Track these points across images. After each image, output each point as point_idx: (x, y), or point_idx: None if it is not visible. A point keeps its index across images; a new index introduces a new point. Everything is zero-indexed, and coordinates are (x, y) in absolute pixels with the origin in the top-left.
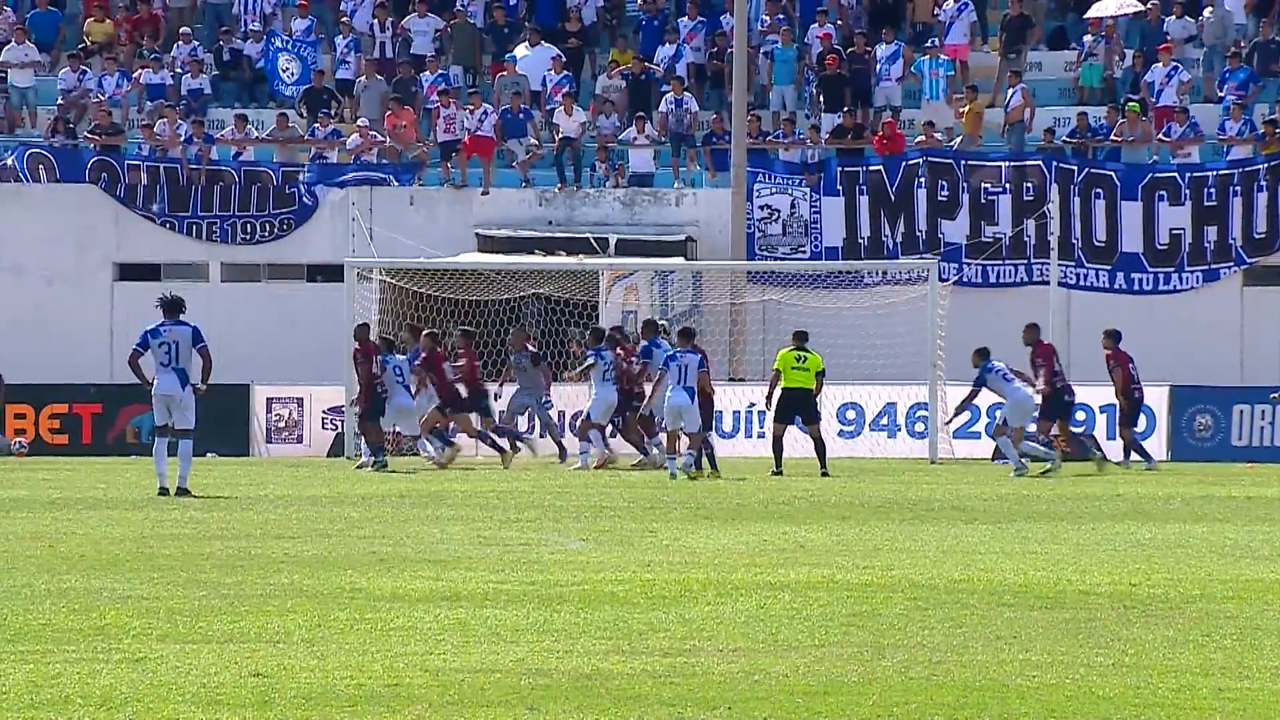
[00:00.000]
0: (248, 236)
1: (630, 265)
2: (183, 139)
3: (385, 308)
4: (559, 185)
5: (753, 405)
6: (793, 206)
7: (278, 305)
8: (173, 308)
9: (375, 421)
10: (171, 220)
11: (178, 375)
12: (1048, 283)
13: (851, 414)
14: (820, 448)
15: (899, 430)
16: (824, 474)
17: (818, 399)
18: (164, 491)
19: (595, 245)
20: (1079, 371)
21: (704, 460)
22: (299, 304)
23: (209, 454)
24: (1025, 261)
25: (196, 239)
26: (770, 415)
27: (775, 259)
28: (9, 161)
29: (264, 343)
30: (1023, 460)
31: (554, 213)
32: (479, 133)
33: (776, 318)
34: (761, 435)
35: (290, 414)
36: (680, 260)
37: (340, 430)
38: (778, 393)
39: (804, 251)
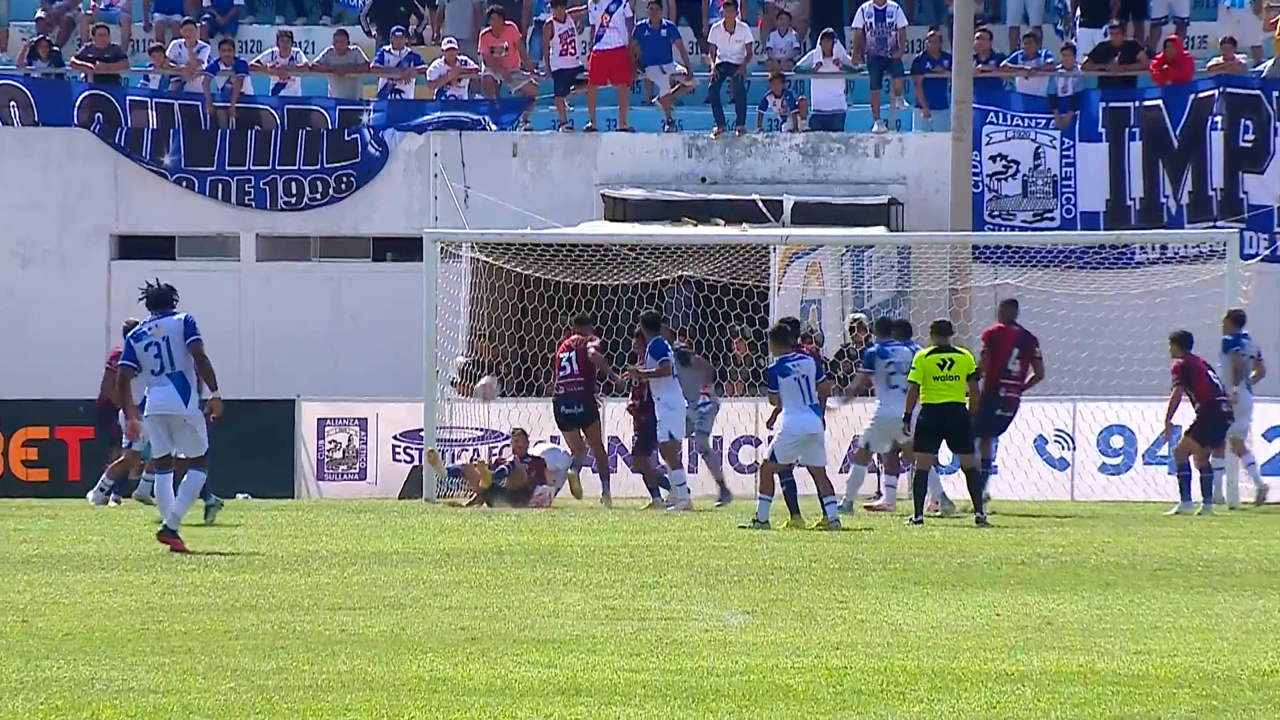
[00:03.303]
0: (293, 200)
1: (812, 238)
2: (205, 66)
3: (478, 294)
4: (715, 129)
5: None
6: (1037, 157)
7: (333, 292)
8: (160, 301)
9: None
10: (190, 178)
11: (175, 384)
12: None
13: (1118, 440)
14: (975, 485)
15: None
16: (980, 520)
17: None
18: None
19: (765, 211)
20: None
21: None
22: (362, 291)
23: (240, 495)
24: None
25: (224, 203)
26: (910, 442)
27: (1012, 229)
28: None
29: (314, 343)
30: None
31: (708, 166)
32: (606, 53)
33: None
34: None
35: (350, 440)
36: (881, 231)
37: (417, 462)
38: (916, 411)
39: (1052, 218)
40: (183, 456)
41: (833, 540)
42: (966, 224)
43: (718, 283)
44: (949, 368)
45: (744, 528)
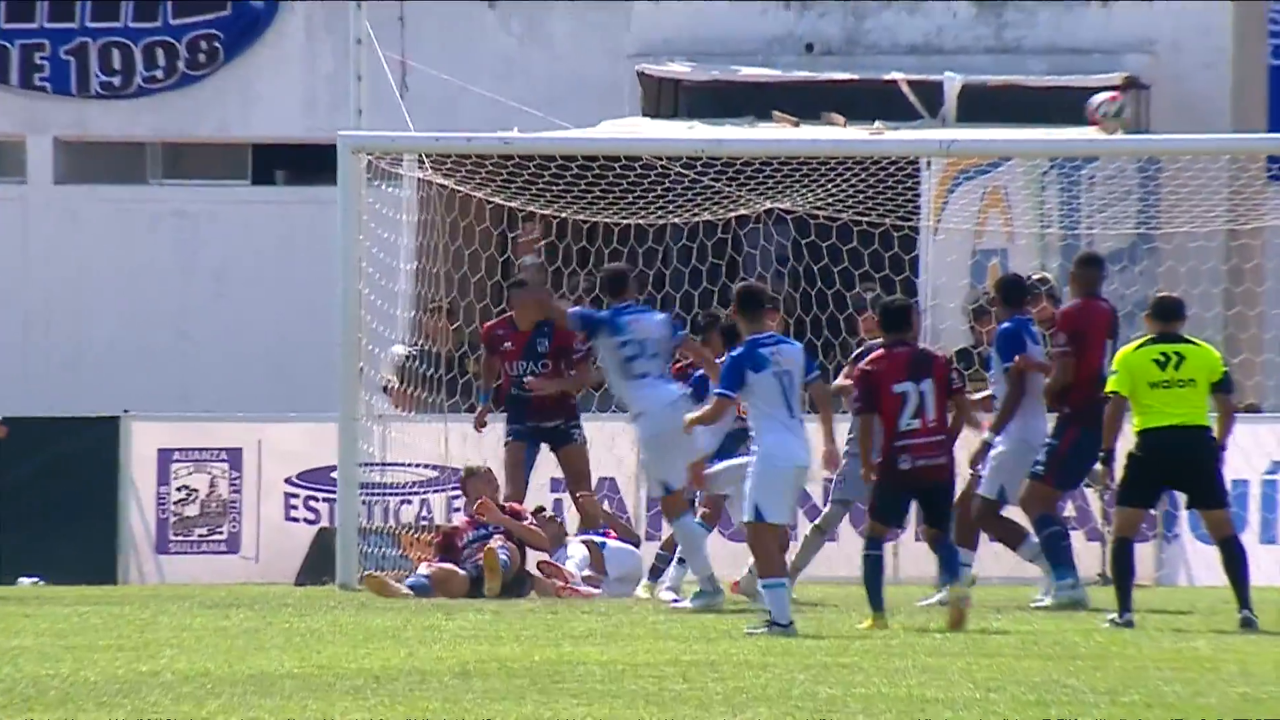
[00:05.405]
0: (116, 82)
1: (994, 146)
2: None
3: (431, 240)
4: None
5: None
6: None
7: (184, 236)
8: None
9: None
10: None
11: None
12: None
13: None
14: (1237, 562)
15: None
16: (1245, 618)
17: (1222, 449)
18: None
19: (913, 100)
20: None
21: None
22: (234, 233)
23: (26, 579)
24: None
25: (1, 88)
26: (1107, 484)
27: None
28: None
29: (152, 321)
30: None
31: (817, 25)
32: None
33: None
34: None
35: (212, 486)
36: (1114, 132)
37: (324, 522)
38: (1124, 437)
39: None
40: None
41: (1023, 655)
42: (1259, 120)
43: (832, 221)
44: (1176, 367)
45: (754, 632)
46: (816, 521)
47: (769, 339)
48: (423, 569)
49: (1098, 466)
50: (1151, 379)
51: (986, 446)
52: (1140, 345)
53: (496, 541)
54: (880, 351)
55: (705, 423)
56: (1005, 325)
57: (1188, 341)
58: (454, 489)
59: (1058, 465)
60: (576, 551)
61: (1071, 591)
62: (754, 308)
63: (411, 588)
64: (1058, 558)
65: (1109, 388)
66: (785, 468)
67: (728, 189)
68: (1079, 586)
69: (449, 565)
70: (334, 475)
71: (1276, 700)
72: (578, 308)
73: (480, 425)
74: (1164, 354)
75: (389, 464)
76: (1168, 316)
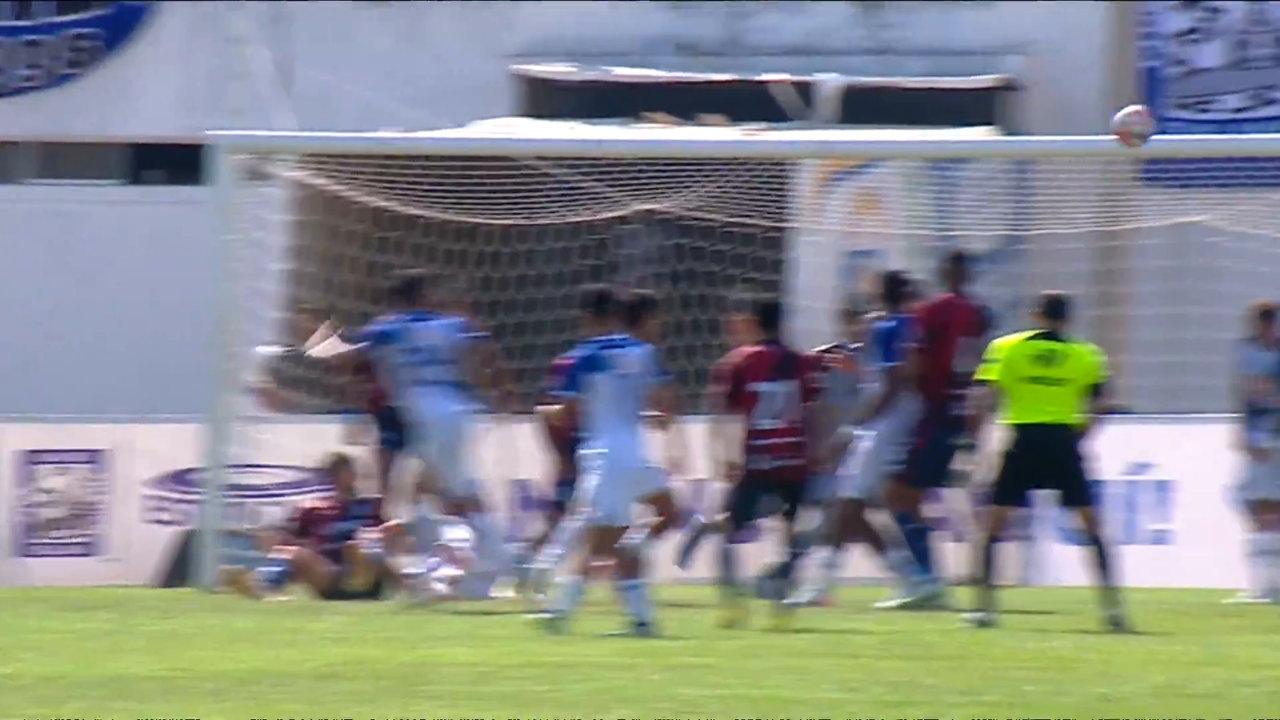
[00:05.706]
0: None
1: (869, 148)
2: None
3: (304, 241)
4: None
5: (1145, 469)
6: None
7: (56, 236)
8: None
9: None
10: None
11: None
12: None
13: None
14: (1105, 560)
15: None
16: (1113, 618)
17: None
18: None
19: (787, 100)
20: None
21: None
22: (105, 234)
23: None
24: None
25: None
26: (971, 476)
27: (1211, 129)
28: None
29: (19, 323)
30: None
31: (695, 26)
32: None
33: (1209, 266)
34: (1159, 537)
35: (74, 487)
36: (983, 133)
37: (189, 524)
38: (995, 433)
39: (1276, 108)
40: None
41: (883, 655)
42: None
43: (710, 224)
44: (1054, 364)
45: (616, 634)
46: None
47: (613, 342)
48: (281, 553)
49: (962, 465)
50: (1027, 373)
51: (849, 441)
52: (1022, 339)
53: (369, 535)
54: (751, 349)
55: (555, 422)
56: (886, 323)
57: (1063, 340)
58: (321, 490)
59: (916, 464)
60: (457, 533)
61: (930, 586)
62: (600, 310)
63: (270, 579)
64: (918, 554)
65: (985, 376)
66: (629, 469)
67: (603, 190)
68: (937, 582)
69: (311, 552)
70: (201, 475)
71: (1135, 699)
72: (361, 332)
73: (357, 443)
74: (1044, 352)
75: (256, 465)
76: (1053, 314)
